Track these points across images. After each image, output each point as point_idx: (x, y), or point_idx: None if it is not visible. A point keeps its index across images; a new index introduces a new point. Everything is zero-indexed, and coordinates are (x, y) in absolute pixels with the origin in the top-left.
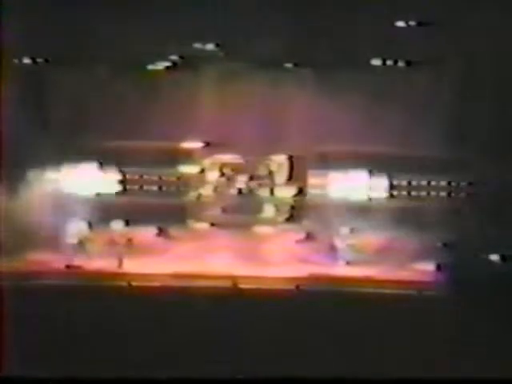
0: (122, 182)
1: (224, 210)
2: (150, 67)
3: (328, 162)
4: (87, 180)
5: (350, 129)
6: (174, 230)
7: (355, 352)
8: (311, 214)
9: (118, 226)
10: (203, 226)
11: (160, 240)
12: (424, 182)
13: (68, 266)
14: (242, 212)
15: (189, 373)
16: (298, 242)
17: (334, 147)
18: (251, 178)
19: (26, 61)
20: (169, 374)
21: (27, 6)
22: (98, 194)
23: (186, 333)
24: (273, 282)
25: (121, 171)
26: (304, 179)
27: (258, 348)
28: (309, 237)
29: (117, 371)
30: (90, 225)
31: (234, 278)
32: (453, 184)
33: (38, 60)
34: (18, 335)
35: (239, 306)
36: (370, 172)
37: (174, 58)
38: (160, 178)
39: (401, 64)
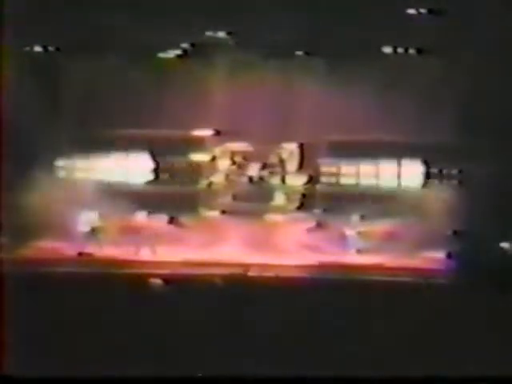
0: (133, 170)
1: (235, 198)
2: (161, 55)
3: (339, 150)
4: (98, 168)
5: (360, 117)
6: (185, 218)
7: (364, 341)
8: (322, 202)
9: (128, 214)
10: (214, 213)
11: (171, 228)
12: (435, 170)
13: (80, 254)
14: (252, 200)
15: (201, 362)
16: (308, 230)
17: (344, 136)
18: (262, 166)
19: (37, 49)
20: (180, 364)
21: None
22: (108, 183)
23: (197, 321)
24: (284, 269)
25: (131, 159)
26: (315, 167)
27: (269, 335)
28: (319, 225)
29: (126, 363)
30: (101, 213)
31: (244, 266)
32: (464, 171)
33: (49, 48)
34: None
35: (249, 294)
36: (380, 160)
37: (185, 46)
38: (171, 166)
39: (412, 52)
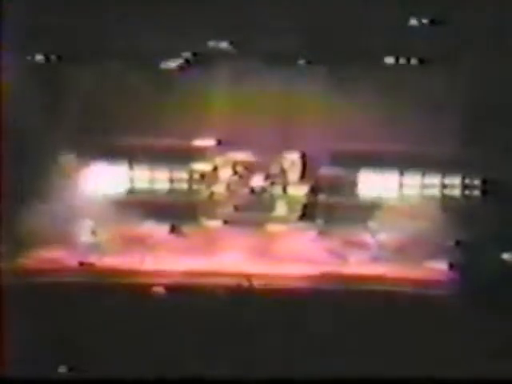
0: (135, 179)
1: (237, 208)
2: (163, 65)
3: (340, 160)
4: (98, 178)
5: (362, 127)
6: (186, 228)
7: (366, 350)
8: (324, 212)
9: (130, 223)
10: (216, 223)
11: (173, 238)
12: (437, 180)
13: (81, 264)
14: (254, 210)
15: (201, 370)
16: (310, 239)
17: (346, 145)
18: (264, 176)
19: (39, 58)
20: (179, 372)
21: (40, 4)
22: (109, 192)
23: (198, 330)
24: (285, 279)
25: (133, 169)
26: (317, 177)
27: (270, 345)
28: (321, 235)
29: (126, 370)
30: (103, 223)
31: (246, 276)
32: (466, 182)
33: (51, 57)
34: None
35: (251, 303)
36: (382, 170)
37: (187, 55)
38: (172, 176)
39: (414, 62)
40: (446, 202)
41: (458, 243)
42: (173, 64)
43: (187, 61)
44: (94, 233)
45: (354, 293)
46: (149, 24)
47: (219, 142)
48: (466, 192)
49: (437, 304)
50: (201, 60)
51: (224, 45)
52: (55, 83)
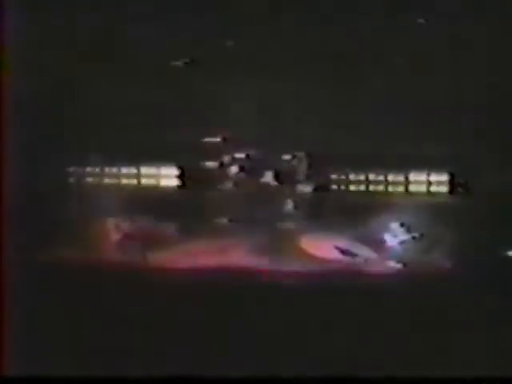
0: (142, 176)
1: (244, 206)
2: (170, 63)
3: (348, 159)
4: (108, 176)
5: (369, 127)
6: (193, 226)
7: (370, 347)
8: (331, 210)
9: (138, 220)
10: (223, 221)
11: (180, 235)
12: (444, 178)
13: (89, 260)
14: (262, 208)
15: (208, 368)
16: (318, 238)
17: (354, 144)
18: (272, 174)
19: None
20: (187, 370)
21: (50, 5)
22: (118, 190)
23: (205, 328)
24: (293, 277)
25: (139, 166)
26: (325, 175)
27: (279, 344)
28: (327, 232)
29: (133, 369)
30: (110, 220)
31: (253, 273)
32: (470, 180)
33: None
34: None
35: (259, 301)
36: (387, 170)
37: (194, 54)
38: (179, 173)
39: (420, 61)
40: (450, 199)
41: (461, 240)
42: (180, 63)
43: (194, 59)
44: (102, 229)
45: (363, 291)
46: (156, 24)
47: (227, 140)
48: (471, 189)
49: (442, 301)
50: (207, 59)
51: (230, 43)
52: (65, 83)
